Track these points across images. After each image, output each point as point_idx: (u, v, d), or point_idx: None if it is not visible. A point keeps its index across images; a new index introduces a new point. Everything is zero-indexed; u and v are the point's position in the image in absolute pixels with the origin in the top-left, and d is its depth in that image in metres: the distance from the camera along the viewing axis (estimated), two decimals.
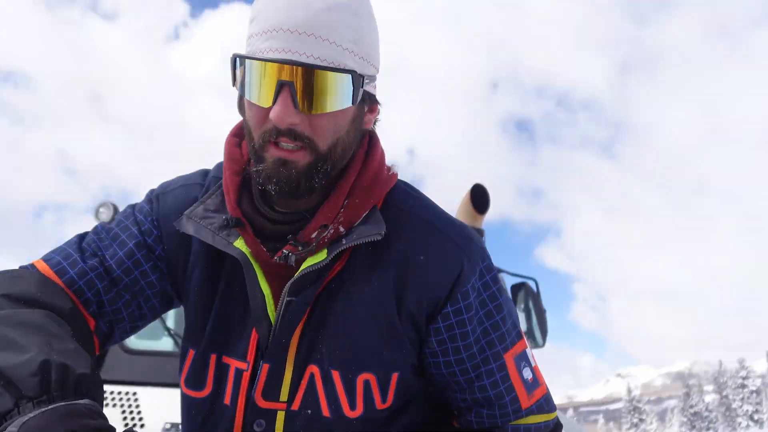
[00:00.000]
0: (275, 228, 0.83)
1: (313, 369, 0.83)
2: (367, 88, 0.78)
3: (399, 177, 0.91)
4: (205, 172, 0.95)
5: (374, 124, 0.87)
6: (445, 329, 0.84)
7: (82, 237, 0.90)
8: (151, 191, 0.95)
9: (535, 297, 3.10)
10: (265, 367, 0.83)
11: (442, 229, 0.85)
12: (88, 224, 2.68)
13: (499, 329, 0.86)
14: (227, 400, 0.86)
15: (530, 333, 3.11)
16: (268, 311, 0.83)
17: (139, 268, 0.88)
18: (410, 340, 0.85)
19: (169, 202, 0.92)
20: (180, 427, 1.88)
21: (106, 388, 1.92)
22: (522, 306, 3.23)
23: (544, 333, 3.08)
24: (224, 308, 0.88)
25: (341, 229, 0.81)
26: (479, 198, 2.81)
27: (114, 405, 1.89)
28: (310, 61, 0.70)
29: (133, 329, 0.92)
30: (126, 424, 1.85)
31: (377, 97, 0.84)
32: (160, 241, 0.90)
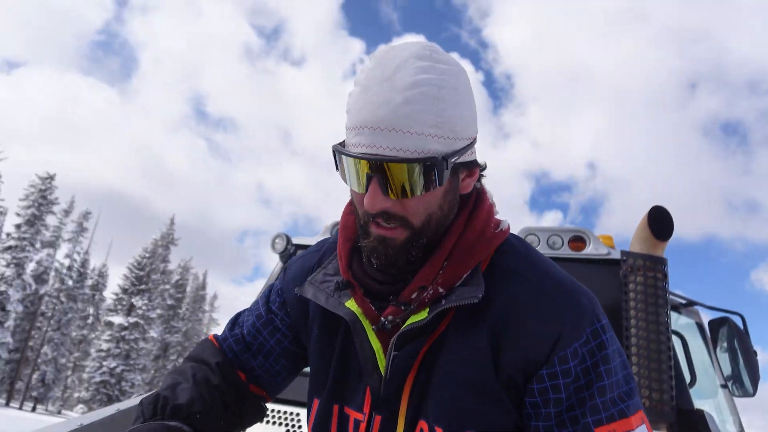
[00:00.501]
0: (381, 288, 0.88)
1: (423, 424, 0.85)
2: (462, 159, 0.83)
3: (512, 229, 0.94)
4: (324, 241, 1.08)
5: (479, 180, 0.91)
6: (538, 392, 0.81)
7: (240, 313, 1.13)
8: (284, 265, 1.13)
9: (742, 335, 2.63)
10: (377, 419, 0.88)
11: (544, 289, 0.84)
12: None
13: (594, 399, 0.79)
14: None
15: (736, 378, 2.64)
16: (379, 365, 0.88)
17: (261, 334, 1.06)
18: (510, 399, 0.84)
19: (291, 272, 1.08)
20: None
21: (273, 407, 2.08)
22: (724, 346, 2.76)
23: (754, 379, 2.59)
24: (342, 362, 0.95)
25: (440, 290, 0.84)
26: (659, 222, 2.49)
27: (279, 423, 2.03)
28: (393, 153, 0.76)
29: (276, 384, 1.08)
30: None
31: (477, 159, 0.89)
32: (283, 306, 1.06)
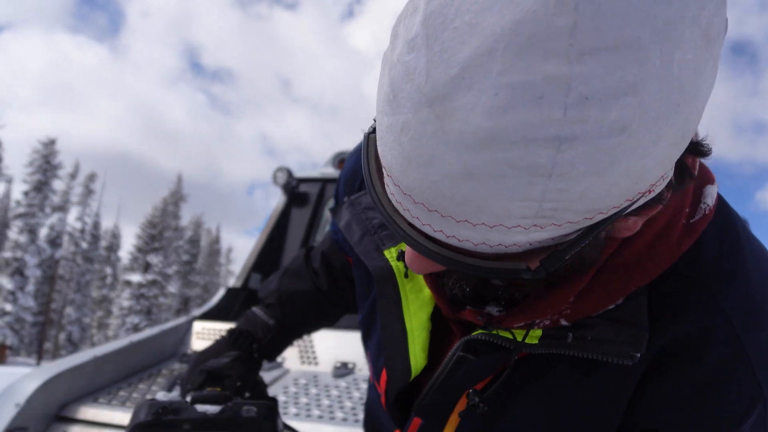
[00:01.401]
0: None
1: None
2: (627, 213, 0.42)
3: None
4: None
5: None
6: None
7: None
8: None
9: None
10: (416, 422, 0.67)
11: (752, 346, 0.50)
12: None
13: None
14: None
15: None
16: (410, 354, 0.64)
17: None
18: None
19: (344, 172, 0.81)
20: (348, 365, 1.96)
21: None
22: None
23: None
24: (370, 315, 0.74)
25: (563, 322, 0.53)
26: None
27: (292, 346, 2.06)
28: (450, 241, 0.42)
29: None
30: (302, 362, 2.00)
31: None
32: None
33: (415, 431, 0.67)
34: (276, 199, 2.88)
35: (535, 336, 0.55)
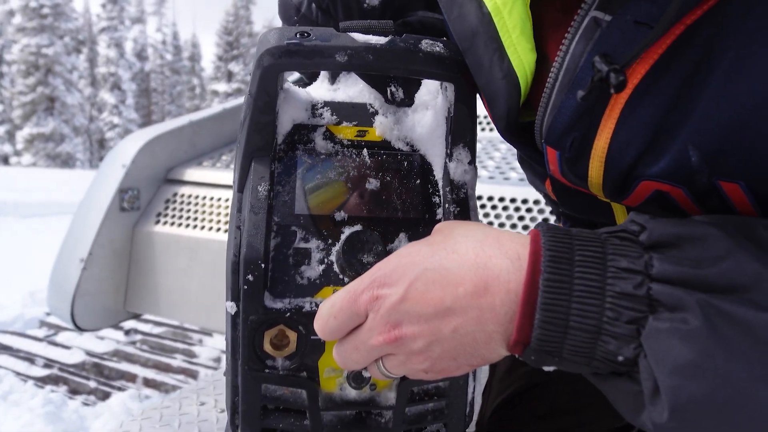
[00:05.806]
0: None
1: (653, 185, 0.40)
2: None
3: None
4: None
5: None
6: None
7: None
8: None
9: None
10: (551, 153, 0.45)
11: None
12: None
13: None
14: None
15: None
16: (506, 45, 0.42)
17: None
18: None
19: None
20: None
21: None
22: None
23: None
24: None
25: None
26: None
27: None
28: None
29: None
30: None
31: None
32: None
33: (555, 164, 0.45)
34: None
35: None
